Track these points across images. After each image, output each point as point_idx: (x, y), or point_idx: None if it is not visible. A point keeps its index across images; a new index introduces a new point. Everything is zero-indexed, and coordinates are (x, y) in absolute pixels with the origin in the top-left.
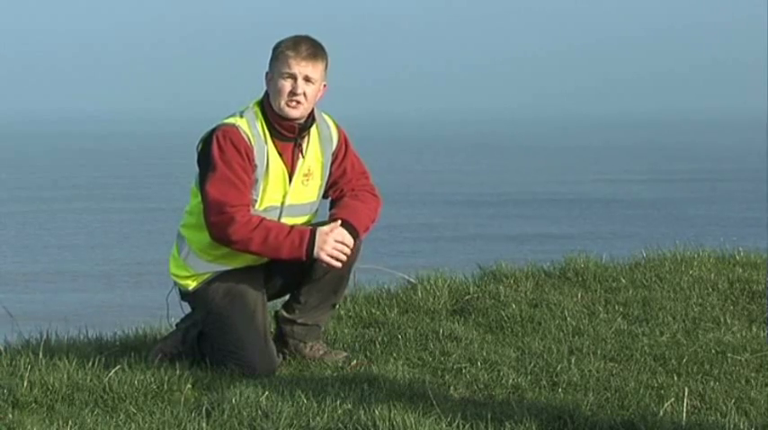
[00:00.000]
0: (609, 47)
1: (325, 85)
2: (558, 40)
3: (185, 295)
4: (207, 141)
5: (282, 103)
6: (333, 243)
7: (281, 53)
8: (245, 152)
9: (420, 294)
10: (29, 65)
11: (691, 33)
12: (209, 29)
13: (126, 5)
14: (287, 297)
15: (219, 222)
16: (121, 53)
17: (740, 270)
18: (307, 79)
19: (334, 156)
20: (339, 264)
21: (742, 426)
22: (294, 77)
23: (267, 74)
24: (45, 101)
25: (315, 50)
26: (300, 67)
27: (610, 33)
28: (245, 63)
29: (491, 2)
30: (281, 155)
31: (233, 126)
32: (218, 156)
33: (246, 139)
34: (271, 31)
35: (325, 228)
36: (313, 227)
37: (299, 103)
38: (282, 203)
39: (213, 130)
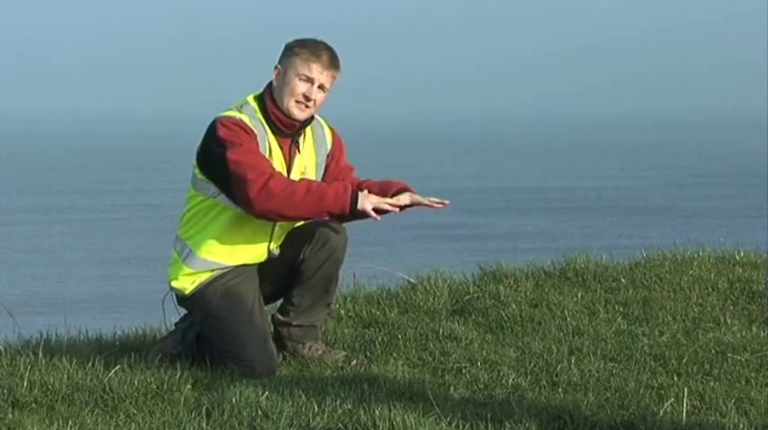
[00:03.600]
0: (609, 47)
1: None
2: (558, 40)
3: (183, 300)
4: (210, 130)
5: (292, 102)
6: (375, 200)
7: (302, 54)
8: (252, 133)
9: (420, 294)
10: (29, 65)
11: (691, 33)
12: (210, 28)
13: (126, 5)
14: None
15: (257, 179)
16: (122, 53)
17: (740, 270)
18: (321, 87)
19: (330, 157)
20: (379, 218)
21: (742, 426)
22: (312, 82)
23: (277, 68)
24: (45, 101)
25: (335, 62)
26: (321, 75)
27: (610, 33)
28: (246, 63)
29: (491, 2)
30: (280, 148)
31: (234, 116)
32: (227, 135)
33: (250, 126)
34: (271, 31)
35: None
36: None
37: (308, 107)
38: None
39: (214, 121)
